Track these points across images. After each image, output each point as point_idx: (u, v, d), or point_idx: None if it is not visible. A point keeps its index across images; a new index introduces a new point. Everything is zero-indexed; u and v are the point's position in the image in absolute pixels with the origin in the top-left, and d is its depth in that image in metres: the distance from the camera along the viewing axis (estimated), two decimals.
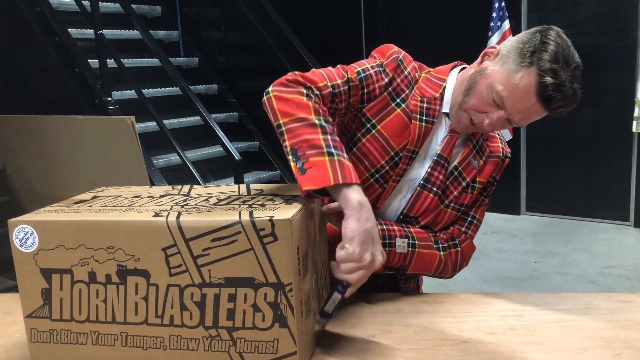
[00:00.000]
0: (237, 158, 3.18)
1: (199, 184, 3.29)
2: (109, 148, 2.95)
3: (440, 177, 1.20)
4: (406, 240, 1.17)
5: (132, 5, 4.10)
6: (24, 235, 0.92)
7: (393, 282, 1.29)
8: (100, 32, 3.36)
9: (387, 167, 1.18)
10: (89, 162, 3.12)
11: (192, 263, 0.88)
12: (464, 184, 1.22)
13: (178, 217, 0.88)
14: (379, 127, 1.18)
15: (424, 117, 1.19)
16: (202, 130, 3.81)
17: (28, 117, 3.47)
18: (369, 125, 1.18)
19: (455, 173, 1.22)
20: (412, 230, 1.21)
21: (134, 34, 4.04)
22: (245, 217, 0.86)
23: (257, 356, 0.89)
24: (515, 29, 4.67)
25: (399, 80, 1.20)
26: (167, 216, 0.88)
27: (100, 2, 3.52)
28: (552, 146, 4.81)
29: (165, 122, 3.48)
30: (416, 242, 1.19)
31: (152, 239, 0.88)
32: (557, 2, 4.60)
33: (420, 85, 1.21)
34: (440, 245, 1.23)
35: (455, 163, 1.22)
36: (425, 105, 1.19)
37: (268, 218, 0.85)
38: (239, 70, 4.49)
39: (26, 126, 3.49)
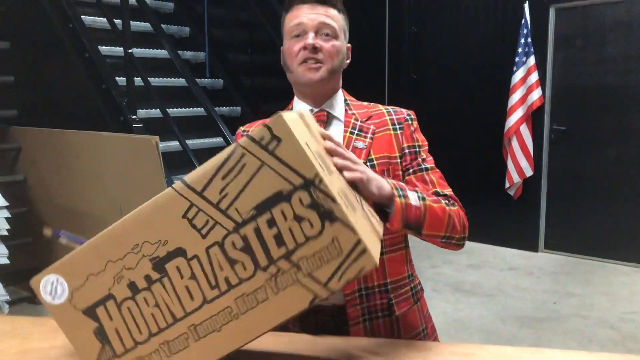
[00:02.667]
0: None
1: None
2: (131, 166, 2.96)
3: None
4: (415, 194, 1.11)
5: (162, 25, 4.16)
6: (51, 286, 0.88)
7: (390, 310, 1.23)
8: (130, 50, 3.40)
9: None
10: (110, 178, 3.14)
11: (216, 212, 0.82)
12: None
13: (182, 180, 0.84)
14: None
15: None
16: None
17: (53, 130, 3.52)
18: None
19: None
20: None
21: (162, 53, 4.09)
22: (242, 140, 0.82)
23: (327, 267, 0.81)
24: (540, 65, 4.66)
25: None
26: (173, 186, 0.84)
27: (131, 21, 3.57)
28: (575, 183, 4.74)
29: (188, 142, 3.50)
30: (424, 195, 1.14)
31: (169, 213, 0.83)
32: (585, 40, 4.58)
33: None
34: (444, 201, 1.17)
35: None
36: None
37: (263, 125, 0.80)
38: (263, 93, 4.52)
39: (51, 139, 3.53)
